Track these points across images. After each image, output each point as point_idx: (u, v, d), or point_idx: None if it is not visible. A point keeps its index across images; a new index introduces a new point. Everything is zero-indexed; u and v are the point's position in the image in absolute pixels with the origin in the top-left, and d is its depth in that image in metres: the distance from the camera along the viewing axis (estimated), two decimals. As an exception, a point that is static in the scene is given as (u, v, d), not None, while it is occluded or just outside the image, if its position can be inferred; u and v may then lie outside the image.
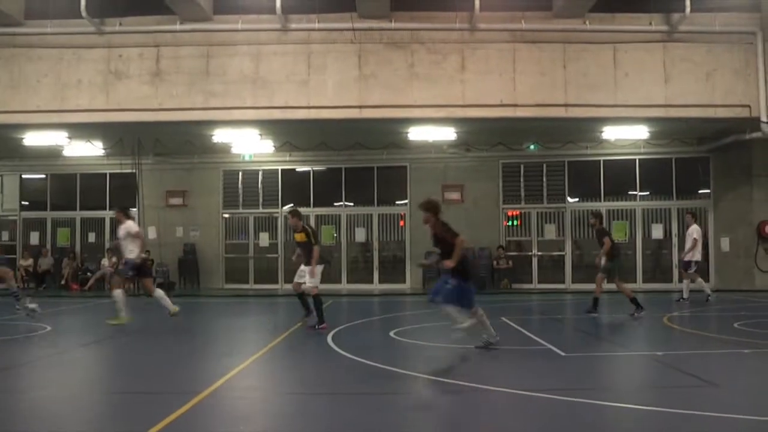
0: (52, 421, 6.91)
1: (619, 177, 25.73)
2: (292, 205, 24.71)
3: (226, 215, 26.66)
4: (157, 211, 26.06)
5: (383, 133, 22.98)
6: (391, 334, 13.11)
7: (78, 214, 27.58)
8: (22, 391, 8.40)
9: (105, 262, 25.73)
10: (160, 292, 14.63)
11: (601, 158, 25.51)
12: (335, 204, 26.65)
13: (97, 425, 6.92)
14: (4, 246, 27.38)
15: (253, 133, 21.83)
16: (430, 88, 19.45)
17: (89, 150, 24.48)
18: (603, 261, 15.72)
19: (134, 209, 25.64)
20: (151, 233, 25.55)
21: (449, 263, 10.13)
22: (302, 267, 13.92)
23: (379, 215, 26.43)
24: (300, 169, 26.81)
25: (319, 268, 13.68)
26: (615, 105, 19.66)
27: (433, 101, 19.44)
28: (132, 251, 14.62)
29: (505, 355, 10.61)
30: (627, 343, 12.72)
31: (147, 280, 15.41)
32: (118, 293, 14.54)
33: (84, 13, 18.63)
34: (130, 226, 14.79)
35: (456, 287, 10.14)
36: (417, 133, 21.81)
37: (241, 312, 18.80)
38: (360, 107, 19.40)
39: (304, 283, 13.80)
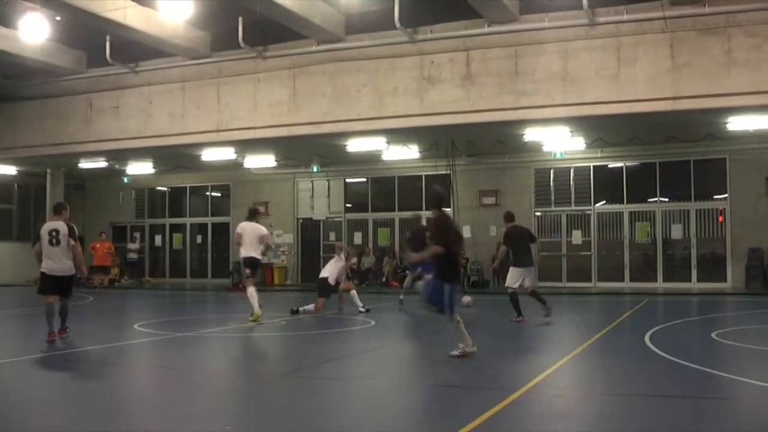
0: (375, 410, 7.33)
1: None
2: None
3: (538, 213, 26.70)
4: (470, 211, 26.69)
5: (698, 124, 21.85)
6: (713, 335, 12.45)
7: (396, 215, 28.94)
8: (352, 379, 9.02)
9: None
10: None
11: None
12: (649, 200, 25.77)
13: (417, 417, 7.23)
14: (331, 245, 29.46)
15: (563, 130, 21.69)
16: (750, 73, 18.20)
17: (406, 153, 25.61)
18: None
19: (448, 209, 26.47)
20: (466, 232, 26.23)
21: (416, 257, 9.89)
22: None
23: (696, 211, 25.19)
24: (612, 165, 26.25)
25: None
26: None
27: (754, 88, 18.17)
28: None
29: None
30: None
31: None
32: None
33: (398, 24, 19.47)
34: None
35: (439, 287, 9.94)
36: (737, 123, 20.50)
37: (553, 310, 18.73)
38: (673, 99, 18.56)
39: None
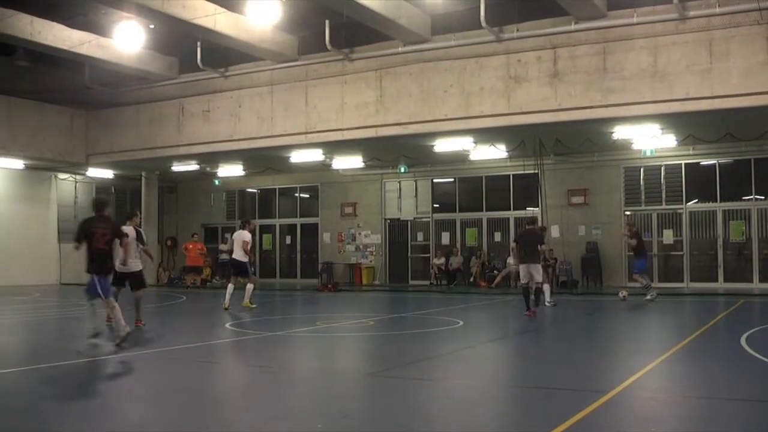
0: (465, 411, 7.28)
1: None
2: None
3: (628, 212, 26.22)
4: (559, 210, 26.40)
5: (797, 119, 21.19)
6: (815, 337, 12.08)
7: (484, 215, 28.83)
8: (440, 379, 9.04)
9: (510, 260, 26.63)
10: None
11: None
12: (744, 198, 25.06)
13: (507, 418, 7.17)
14: (418, 245, 29.54)
15: (653, 127, 21.27)
16: None
17: (493, 153, 25.48)
18: None
19: (536, 209, 26.27)
20: (554, 232, 25.99)
21: None
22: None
23: (794, 208, 24.43)
24: (704, 162, 25.62)
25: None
26: None
27: None
28: None
29: None
30: None
31: None
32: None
33: (484, 23, 19.40)
34: None
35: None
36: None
37: (645, 310, 18.41)
38: (769, 93, 18.04)
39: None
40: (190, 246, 28.30)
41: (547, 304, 17.95)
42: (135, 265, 13.73)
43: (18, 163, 28.38)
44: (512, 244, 17.17)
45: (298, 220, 33.15)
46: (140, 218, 14.52)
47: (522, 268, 16.29)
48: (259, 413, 7.16)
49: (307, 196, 33.27)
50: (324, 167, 29.01)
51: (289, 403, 7.68)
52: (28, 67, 24.13)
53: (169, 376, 9.32)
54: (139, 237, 14.00)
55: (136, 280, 13.90)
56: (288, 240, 33.32)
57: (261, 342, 12.78)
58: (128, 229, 13.51)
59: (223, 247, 31.71)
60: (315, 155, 25.90)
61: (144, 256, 14.43)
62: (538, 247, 16.40)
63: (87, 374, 9.64)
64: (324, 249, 31.35)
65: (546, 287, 18.22)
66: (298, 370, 10.16)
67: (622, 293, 20.09)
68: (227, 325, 14.71)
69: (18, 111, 26.74)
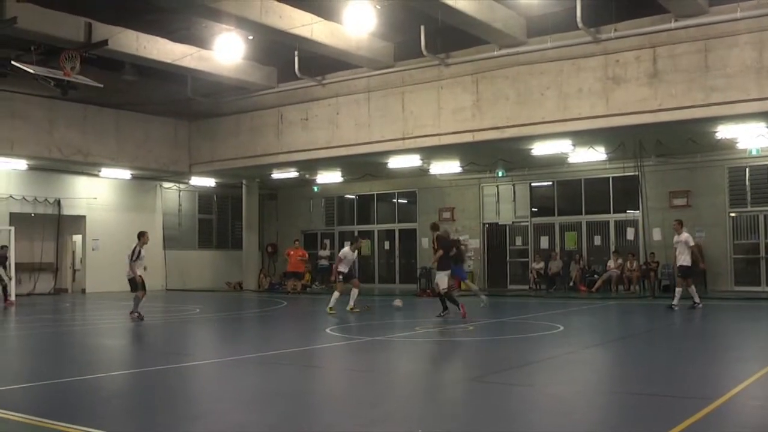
0: (565, 417, 7.23)
1: None
2: None
3: (733, 214, 25.45)
4: (661, 213, 25.79)
5: None
6: None
7: (583, 218, 28.41)
8: (538, 385, 8.97)
9: (611, 263, 26.22)
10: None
11: None
12: None
13: (608, 425, 7.07)
14: (517, 250, 29.32)
15: (759, 126, 20.60)
16: None
17: (592, 155, 25.10)
18: None
19: (637, 211, 25.76)
20: (656, 235, 25.43)
21: None
22: None
23: None
24: (816, 161, 24.68)
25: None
26: None
27: None
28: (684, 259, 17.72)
29: None
30: None
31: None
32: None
33: (580, 24, 19.17)
34: (687, 237, 17.88)
35: None
36: None
37: (752, 316, 17.87)
38: None
39: None
40: (292, 252, 28.81)
41: (674, 307, 17.76)
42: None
43: (126, 174, 29.43)
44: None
45: (396, 226, 33.29)
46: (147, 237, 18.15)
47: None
48: (360, 417, 7.24)
49: (405, 201, 33.40)
50: (421, 172, 29.08)
51: (389, 407, 7.75)
52: (135, 81, 24.96)
53: (271, 379, 9.49)
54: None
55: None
56: (386, 245, 33.50)
57: (361, 346, 12.91)
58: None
59: (322, 253, 32.16)
60: (412, 161, 26.00)
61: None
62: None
63: (190, 377, 9.92)
64: (422, 254, 31.41)
65: (678, 291, 18.24)
66: (399, 374, 10.23)
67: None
68: (328, 330, 14.89)
69: (126, 123, 27.71)
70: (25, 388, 8.97)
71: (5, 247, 23.36)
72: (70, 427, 6.49)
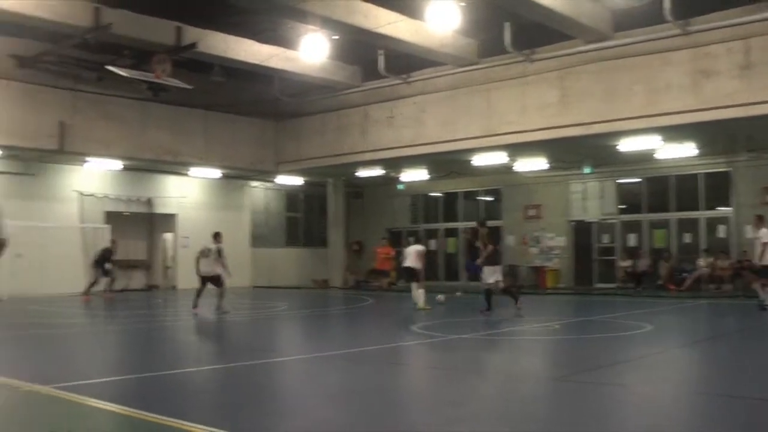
0: (652, 417, 7.10)
1: None
2: None
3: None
4: (753, 210, 25.02)
5: None
6: None
7: (672, 216, 27.82)
8: (625, 385, 8.83)
9: (701, 262, 25.63)
10: None
11: None
12: None
13: (694, 426, 6.94)
14: (604, 248, 28.91)
15: None
16: None
17: (681, 151, 24.54)
18: None
19: (728, 208, 25.12)
20: (749, 232, 24.69)
21: None
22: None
23: None
24: None
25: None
26: None
27: None
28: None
29: None
30: None
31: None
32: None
33: (668, 17, 18.80)
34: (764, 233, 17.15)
35: None
36: None
37: None
38: None
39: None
40: (379, 250, 29.04)
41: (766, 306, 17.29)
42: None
43: (215, 173, 30.06)
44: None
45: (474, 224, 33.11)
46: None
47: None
48: (444, 415, 7.24)
49: (490, 199, 33.26)
50: (507, 170, 28.90)
51: (473, 406, 7.74)
52: (223, 82, 25.49)
53: (356, 376, 9.58)
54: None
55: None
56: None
57: (446, 345, 12.93)
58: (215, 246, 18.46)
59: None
60: (498, 158, 25.86)
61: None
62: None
63: (277, 373, 10.10)
64: (507, 252, 31.24)
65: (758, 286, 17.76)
66: (483, 373, 10.22)
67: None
68: (413, 328, 14.95)
69: (214, 124, 28.30)
70: (120, 380, 9.27)
71: (111, 244, 24.20)
72: (160, 418, 6.68)
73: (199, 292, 18.58)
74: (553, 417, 7.16)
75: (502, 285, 17.59)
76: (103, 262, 23.39)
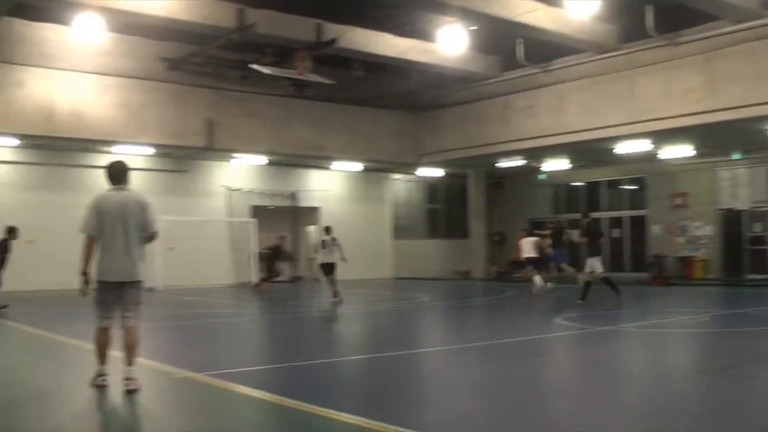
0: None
1: None
2: None
3: None
4: None
5: None
6: None
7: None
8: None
9: None
10: None
11: None
12: None
13: None
14: (755, 237, 27.71)
15: None
16: None
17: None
18: None
19: None
20: None
21: None
22: None
23: None
24: None
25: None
26: None
27: None
28: None
29: None
30: None
31: None
32: None
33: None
34: None
35: None
36: None
37: None
38: None
39: None
40: (521, 240, 28.81)
41: None
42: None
43: (357, 166, 30.58)
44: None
45: (625, 213, 32.42)
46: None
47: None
48: (591, 409, 7.18)
49: (634, 187, 32.45)
50: (651, 157, 28.10)
51: (621, 400, 7.63)
52: (362, 76, 25.86)
53: (501, 368, 9.56)
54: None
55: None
56: (616, 233, 32.69)
57: (592, 336, 12.77)
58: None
59: (548, 241, 31.88)
60: (641, 146, 25.20)
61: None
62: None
63: (421, 363, 10.23)
64: (653, 241, 30.40)
65: None
66: (630, 366, 10.03)
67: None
68: (558, 319, 14.81)
69: (355, 118, 28.73)
70: (268, 369, 9.63)
71: (280, 240, 25.19)
72: (308, 406, 6.89)
73: (332, 282, 19.30)
74: (701, 412, 6.97)
75: (601, 275, 17.75)
76: (275, 258, 24.32)
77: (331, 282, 19.32)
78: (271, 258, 24.40)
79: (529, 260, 20.81)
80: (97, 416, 7.24)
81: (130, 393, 7.47)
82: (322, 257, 19.68)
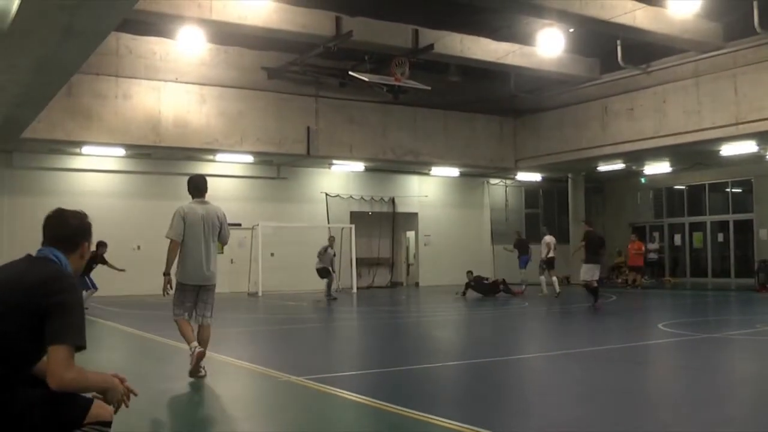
0: None
1: None
2: None
3: None
4: None
5: None
6: None
7: None
8: None
9: None
10: None
11: None
12: None
13: None
14: None
15: None
16: None
17: None
18: None
19: None
20: None
21: None
22: None
23: None
24: None
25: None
26: None
27: None
28: None
29: None
30: None
31: None
32: None
33: None
34: None
35: None
36: None
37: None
38: None
39: None
40: (630, 245, 28.53)
41: None
42: None
43: (454, 171, 30.57)
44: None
45: (730, 217, 31.50)
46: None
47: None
48: (697, 418, 6.97)
49: (740, 190, 31.51)
50: (758, 159, 27.25)
51: (730, 410, 7.37)
52: (459, 81, 25.86)
53: (603, 375, 9.42)
54: None
55: None
56: (720, 238, 31.81)
57: (695, 344, 12.42)
58: None
59: (651, 245, 31.28)
60: (747, 147, 24.48)
61: None
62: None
63: (521, 370, 10.17)
64: (761, 246, 29.43)
65: None
66: (738, 374, 9.73)
67: None
68: (660, 326, 14.50)
69: (453, 123, 28.73)
70: (365, 373, 9.71)
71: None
72: (405, 410, 6.90)
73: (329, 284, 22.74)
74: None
75: (594, 284, 18.51)
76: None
77: (328, 284, 22.73)
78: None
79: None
80: (211, 416, 7.48)
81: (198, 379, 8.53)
82: (318, 264, 22.86)
